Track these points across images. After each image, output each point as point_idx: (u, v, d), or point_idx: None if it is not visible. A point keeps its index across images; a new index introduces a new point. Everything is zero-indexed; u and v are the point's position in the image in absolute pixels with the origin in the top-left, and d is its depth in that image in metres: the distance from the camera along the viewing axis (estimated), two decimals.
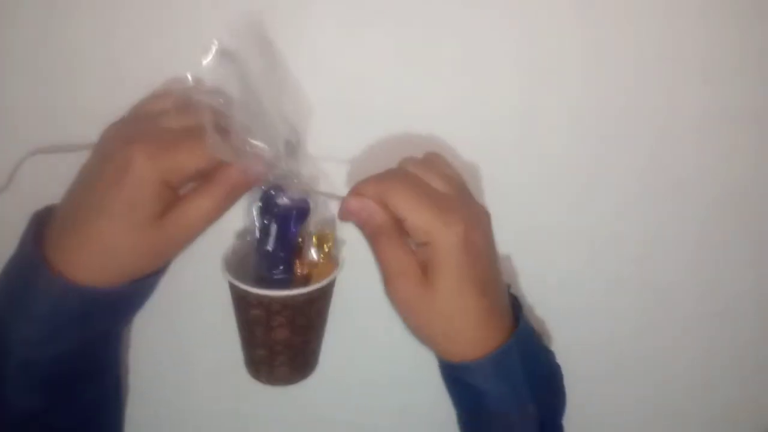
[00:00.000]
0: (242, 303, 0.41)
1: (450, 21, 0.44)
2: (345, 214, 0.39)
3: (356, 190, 0.39)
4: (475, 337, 0.39)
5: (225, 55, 0.39)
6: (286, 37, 0.43)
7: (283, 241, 0.41)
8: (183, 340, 0.51)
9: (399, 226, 0.39)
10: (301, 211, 0.41)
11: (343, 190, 0.41)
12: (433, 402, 0.48)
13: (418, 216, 0.37)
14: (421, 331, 0.40)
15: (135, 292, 0.41)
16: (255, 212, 0.41)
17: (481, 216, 0.40)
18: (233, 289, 0.41)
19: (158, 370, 0.51)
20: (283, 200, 0.40)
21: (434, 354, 0.43)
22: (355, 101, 0.45)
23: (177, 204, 0.37)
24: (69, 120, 0.44)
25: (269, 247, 0.41)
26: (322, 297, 0.43)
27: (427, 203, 0.37)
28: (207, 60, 0.39)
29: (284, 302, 0.40)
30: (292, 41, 0.43)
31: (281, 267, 0.42)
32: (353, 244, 0.45)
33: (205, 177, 0.37)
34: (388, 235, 0.39)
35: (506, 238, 0.49)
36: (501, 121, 0.46)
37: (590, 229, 0.50)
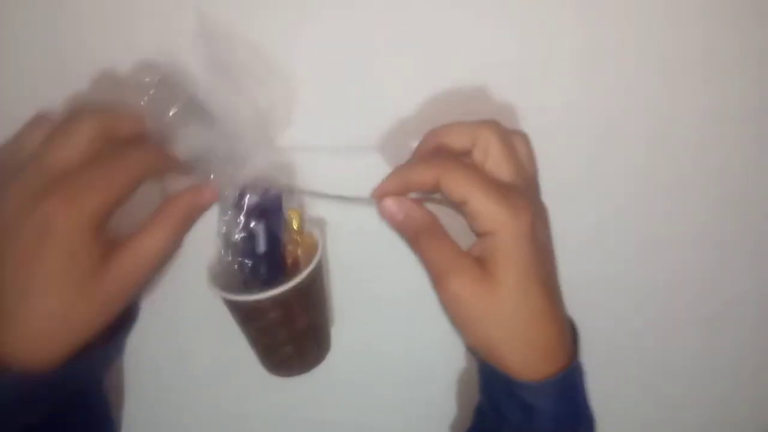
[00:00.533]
0: (254, 313, 0.40)
1: (450, 21, 0.44)
2: (383, 215, 0.36)
3: (386, 188, 0.35)
4: (543, 349, 0.35)
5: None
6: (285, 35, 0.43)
7: (273, 237, 0.41)
8: (182, 340, 0.51)
9: (438, 221, 0.36)
10: (279, 200, 0.41)
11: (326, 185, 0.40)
12: (432, 401, 0.48)
13: (482, 198, 0.33)
14: (478, 340, 0.35)
15: (87, 364, 0.35)
16: (236, 219, 0.40)
17: (544, 209, 0.37)
18: (242, 304, 0.40)
19: (157, 370, 0.51)
20: (252, 198, 0.39)
21: (487, 366, 0.37)
22: (355, 101, 0.45)
23: (122, 245, 0.32)
24: None
25: (261, 249, 0.41)
26: (321, 268, 0.43)
27: (492, 186, 0.34)
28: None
29: (298, 290, 0.40)
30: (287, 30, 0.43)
31: (277, 261, 0.41)
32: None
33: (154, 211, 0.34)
34: (430, 232, 0.35)
35: None
36: (500, 120, 0.46)
37: (589, 229, 0.50)
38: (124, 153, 0.33)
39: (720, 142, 0.48)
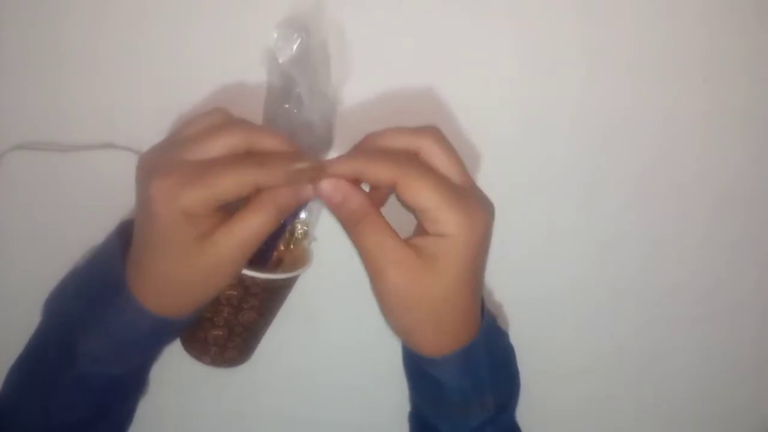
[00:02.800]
0: None
1: (450, 21, 0.44)
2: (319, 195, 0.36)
3: (337, 170, 0.36)
4: (452, 332, 0.38)
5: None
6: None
7: (278, 227, 0.41)
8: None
9: (378, 208, 0.36)
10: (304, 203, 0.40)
11: None
12: None
13: (442, 207, 0.34)
14: (402, 324, 0.38)
15: (193, 317, 0.40)
16: None
17: (491, 209, 0.38)
18: None
19: (156, 370, 0.51)
20: None
21: (405, 347, 0.41)
22: (353, 100, 0.45)
23: (226, 224, 0.35)
24: (58, 117, 0.44)
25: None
26: (293, 284, 0.43)
27: (451, 194, 0.35)
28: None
29: (266, 285, 0.39)
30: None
31: (266, 251, 0.41)
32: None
33: (254, 194, 0.35)
34: (370, 219, 0.35)
35: (507, 239, 0.49)
36: (501, 122, 0.46)
37: (591, 230, 0.50)
38: (243, 160, 0.35)
39: (721, 143, 0.48)
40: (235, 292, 0.39)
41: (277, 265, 0.42)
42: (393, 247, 0.35)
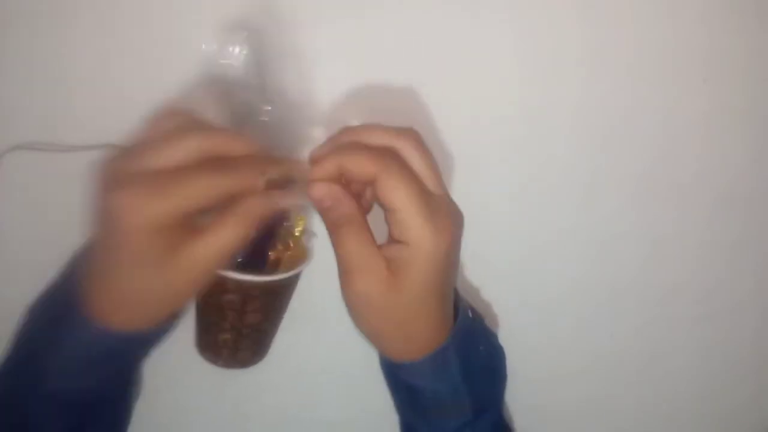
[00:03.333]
0: (216, 288, 0.39)
1: (450, 21, 0.44)
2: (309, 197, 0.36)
3: (321, 170, 0.35)
4: (420, 340, 0.38)
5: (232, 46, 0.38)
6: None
7: (271, 227, 0.41)
8: (181, 339, 0.51)
9: (364, 215, 0.36)
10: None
11: None
12: None
13: (412, 212, 0.34)
14: (369, 330, 0.38)
15: (165, 327, 0.40)
16: None
17: (461, 221, 0.38)
18: None
19: (155, 369, 0.51)
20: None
21: (379, 353, 0.42)
22: (352, 100, 0.45)
23: (192, 238, 0.33)
24: (58, 117, 0.44)
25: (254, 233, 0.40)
26: (296, 282, 0.43)
27: (423, 201, 0.35)
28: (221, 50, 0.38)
29: (264, 287, 0.39)
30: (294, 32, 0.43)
31: (261, 253, 0.41)
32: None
33: (224, 207, 0.34)
34: (353, 226, 0.36)
35: (507, 239, 0.49)
36: (501, 122, 0.46)
37: (591, 230, 0.50)
38: (212, 167, 0.33)
39: (721, 143, 0.48)
40: (235, 297, 0.40)
41: (276, 265, 0.42)
42: (367, 256, 0.35)
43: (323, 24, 0.43)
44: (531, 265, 0.50)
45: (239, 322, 0.41)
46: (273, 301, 0.42)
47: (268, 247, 0.41)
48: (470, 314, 0.43)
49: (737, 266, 0.52)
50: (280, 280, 0.40)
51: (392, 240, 0.36)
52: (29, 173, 0.45)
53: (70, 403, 0.38)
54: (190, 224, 0.34)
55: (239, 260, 0.40)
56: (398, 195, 0.34)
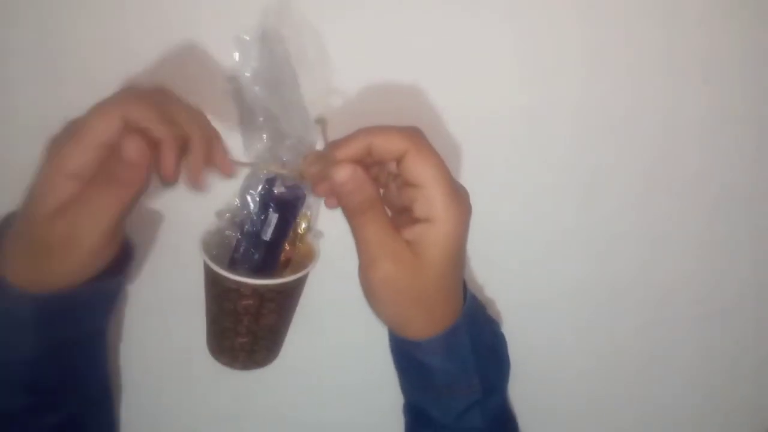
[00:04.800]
0: (231, 294, 0.40)
1: (450, 21, 0.44)
2: (332, 185, 0.36)
3: (349, 149, 0.36)
4: (438, 316, 0.39)
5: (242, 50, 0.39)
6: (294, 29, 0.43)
7: (283, 229, 0.41)
8: (180, 339, 0.51)
9: (382, 202, 0.37)
10: (302, 199, 0.41)
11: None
12: None
13: (440, 189, 0.35)
14: (391, 312, 0.39)
15: (92, 295, 0.40)
16: (251, 201, 0.40)
17: (469, 202, 0.39)
18: (223, 280, 0.40)
19: (154, 369, 0.51)
20: (280, 189, 0.40)
21: (390, 333, 0.42)
22: (352, 100, 0.45)
23: (79, 198, 0.35)
24: (58, 117, 0.44)
25: (267, 237, 0.40)
26: (306, 278, 0.43)
27: (450, 180, 0.35)
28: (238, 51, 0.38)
29: (279, 289, 0.40)
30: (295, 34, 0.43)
31: (274, 255, 0.41)
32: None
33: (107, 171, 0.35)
34: (375, 211, 0.36)
35: (507, 239, 0.49)
36: (502, 122, 0.46)
37: (591, 230, 0.50)
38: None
39: (721, 143, 0.48)
40: (252, 302, 0.40)
41: (286, 266, 0.42)
42: (390, 240, 0.36)
43: (322, 24, 0.43)
44: (531, 264, 0.50)
45: (255, 325, 0.41)
46: (287, 301, 0.42)
47: (279, 251, 0.42)
48: (477, 299, 0.44)
49: (737, 266, 0.52)
50: (294, 281, 0.40)
51: (410, 219, 0.36)
52: (29, 173, 0.45)
53: (20, 379, 0.39)
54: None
55: (252, 266, 0.41)
56: (428, 170, 0.35)
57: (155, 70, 0.43)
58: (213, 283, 0.41)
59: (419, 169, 0.35)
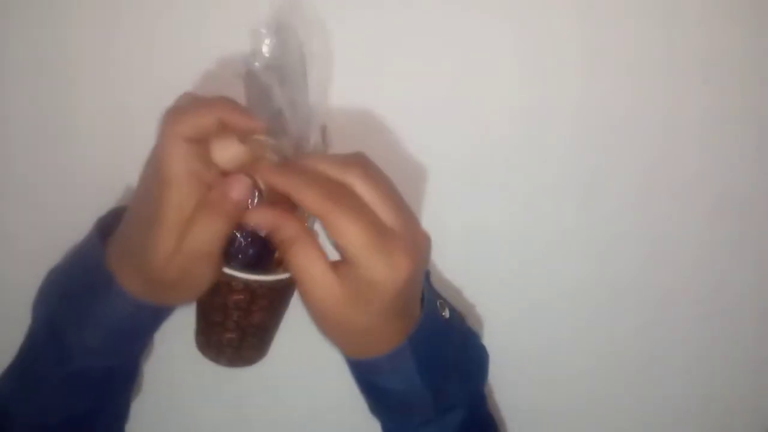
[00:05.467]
0: (222, 288, 0.39)
1: (450, 21, 0.44)
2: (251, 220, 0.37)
3: (272, 176, 0.36)
4: (375, 346, 0.39)
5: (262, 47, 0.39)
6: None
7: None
8: (179, 340, 0.51)
9: (310, 234, 0.36)
10: None
11: None
12: None
13: (364, 256, 0.34)
14: (326, 334, 0.40)
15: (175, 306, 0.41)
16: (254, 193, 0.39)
17: (424, 247, 0.38)
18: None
19: (154, 369, 0.51)
20: None
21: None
22: (353, 100, 0.45)
23: (188, 234, 0.35)
24: (58, 117, 0.44)
25: (263, 233, 0.39)
26: None
27: (374, 243, 0.34)
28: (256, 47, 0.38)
29: (271, 286, 0.39)
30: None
31: (269, 252, 0.41)
32: None
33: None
34: (300, 245, 0.36)
35: (507, 240, 0.49)
36: (501, 122, 0.46)
37: (591, 230, 0.50)
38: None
39: (721, 143, 0.48)
40: (242, 296, 0.39)
41: (280, 264, 0.42)
42: (318, 275, 0.35)
43: (320, 25, 0.43)
44: (531, 264, 0.50)
45: (245, 321, 0.41)
46: (278, 300, 0.42)
47: (275, 248, 0.41)
48: (447, 314, 0.43)
49: (737, 266, 0.52)
50: (288, 279, 0.40)
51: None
52: (29, 173, 0.45)
53: (90, 384, 0.40)
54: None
55: (246, 261, 0.40)
56: (348, 237, 0.34)
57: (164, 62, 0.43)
58: None
59: (334, 237, 0.34)
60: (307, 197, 0.34)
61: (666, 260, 0.51)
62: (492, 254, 0.49)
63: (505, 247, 0.49)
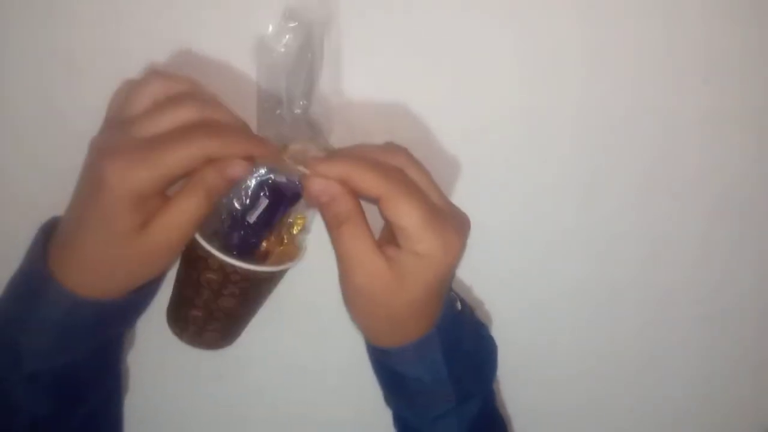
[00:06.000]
0: (199, 263, 0.39)
1: (450, 20, 0.44)
2: (306, 194, 0.37)
3: (327, 171, 0.36)
4: (406, 329, 0.39)
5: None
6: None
7: (268, 218, 0.41)
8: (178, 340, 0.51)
9: (363, 212, 0.36)
10: (296, 196, 0.40)
11: None
12: None
13: (420, 229, 0.35)
14: (360, 317, 0.40)
15: (139, 299, 0.40)
16: (251, 182, 0.40)
17: (468, 229, 0.39)
18: (197, 247, 0.39)
19: (156, 369, 0.51)
20: (280, 177, 0.39)
21: (366, 341, 0.43)
22: (353, 100, 0.45)
23: (162, 209, 0.35)
24: (58, 116, 0.44)
25: (251, 220, 0.40)
26: (279, 277, 0.43)
27: (432, 220, 0.35)
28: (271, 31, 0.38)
29: (246, 274, 0.39)
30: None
31: (253, 240, 0.41)
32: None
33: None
34: (352, 224, 0.36)
35: (506, 241, 0.49)
36: (501, 122, 0.46)
37: (591, 230, 0.50)
38: (191, 130, 0.34)
39: (721, 143, 0.48)
40: (215, 277, 0.39)
41: (265, 257, 0.42)
42: (367, 255, 0.36)
43: (321, 25, 0.43)
44: (531, 264, 0.50)
45: (213, 304, 0.41)
46: (251, 291, 0.41)
47: (261, 236, 0.41)
48: (459, 305, 0.44)
49: (737, 266, 0.52)
50: (263, 272, 0.40)
51: (398, 244, 0.36)
52: (30, 172, 0.45)
53: (51, 384, 0.39)
54: (164, 197, 0.35)
55: (230, 244, 0.40)
56: (407, 215, 0.35)
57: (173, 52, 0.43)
58: (188, 247, 0.40)
59: (394, 217, 0.35)
60: (369, 179, 0.35)
61: (666, 260, 0.51)
62: (492, 254, 0.49)
63: (505, 247, 0.49)
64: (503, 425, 0.48)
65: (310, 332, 0.50)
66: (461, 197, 0.46)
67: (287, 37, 0.39)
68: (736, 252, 0.51)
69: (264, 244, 0.42)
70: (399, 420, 0.46)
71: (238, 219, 0.40)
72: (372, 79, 0.45)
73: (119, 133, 0.34)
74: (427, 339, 0.39)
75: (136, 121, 0.35)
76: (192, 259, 0.40)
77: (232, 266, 0.38)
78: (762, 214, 0.50)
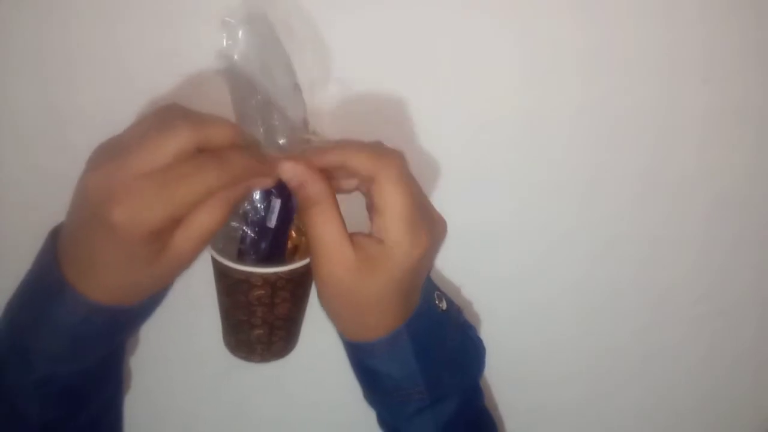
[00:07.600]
0: (242, 286, 0.40)
1: (450, 20, 0.44)
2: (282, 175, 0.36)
3: (324, 157, 0.36)
4: (375, 325, 0.39)
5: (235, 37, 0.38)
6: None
7: (286, 215, 0.41)
8: (178, 340, 0.51)
9: (335, 198, 0.36)
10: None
11: None
12: None
13: (395, 221, 0.36)
14: (329, 309, 0.40)
15: (151, 303, 0.40)
16: (255, 194, 0.40)
17: (442, 230, 0.40)
18: (233, 273, 0.39)
19: (157, 369, 0.51)
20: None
21: (341, 336, 0.42)
22: (353, 100, 0.45)
23: (180, 228, 0.34)
24: (59, 117, 0.44)
25: (271, 224, 0.40)
26: None
27: (410, 212, 0.36)
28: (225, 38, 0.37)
29: (289, 276, 0.40)
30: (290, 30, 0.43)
31: (281, 242, 0.41)
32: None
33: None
34: (322, 207, 0.36)
35: (506, 240, 0.49)
36: (501, 123, 0.46)
37: (591, 230, 0.50)
38: (201, 166, 0.33)
39: (720, 143, 0.48)
40: (263, 291, 0.40)
41: (294, 253, 0.42)
42: (336, 240, 0.36)
43: (320, 23, 0.43)
44: (530, 264, 0.50)
45: (270, 316, 0.41)
46: (298, 289, 0.42)
47: (285, 238, 0.41)
48: (444, 305, 0.44)
49: (737, 266, 0.52)
50: (304, 266, 0.40)
51: (369, 233, 0.37)
52: (30, 172, 0.45)
53: (60, 390, 0.39)
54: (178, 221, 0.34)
55: (260, 255, 0.40)
56: (389, 201, 0.35)
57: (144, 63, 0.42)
58: (222, 276, 0.40)
59: (381, 199, 0.36)
60: (362, 158, 0.36)
61: (666, 260, 0.51)
62: (491, 253, 0.49)
63: (505, 246, 0.49)
64: (491, 427, 0.48)
65: (311, 332, 0.50)
66: (460, 198, 0.46)
67: (241, 42, 0.38)
68: (735, 252, 0.51)
69: (288, 242, 0.42)
70: (378, 417, 0.47)
71: (260, 229, 0.40)
72: (371, 79, 0.45)
73: (125, 167, 0.32)
74: (396, 335, 0.39)
75: (135, 153, 0.32)
76: (231, 285, 0.40)
77: (275, 274, 0.39)
78: (762, 214, 0.50)
